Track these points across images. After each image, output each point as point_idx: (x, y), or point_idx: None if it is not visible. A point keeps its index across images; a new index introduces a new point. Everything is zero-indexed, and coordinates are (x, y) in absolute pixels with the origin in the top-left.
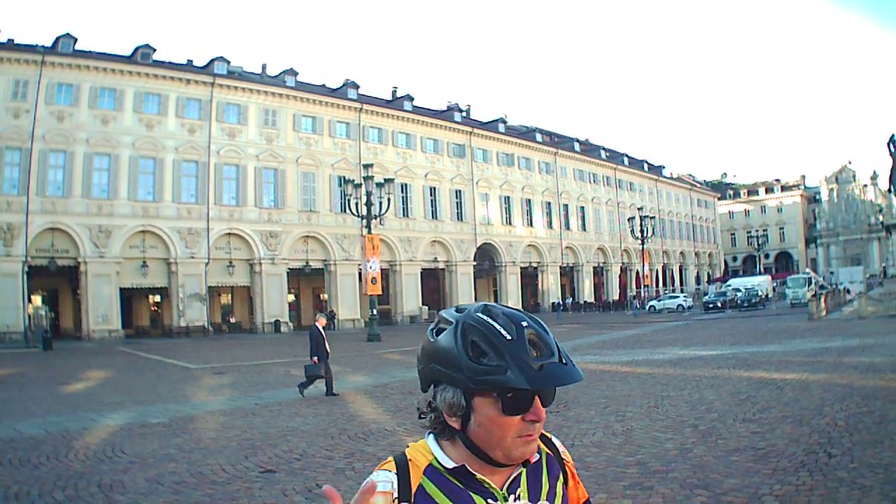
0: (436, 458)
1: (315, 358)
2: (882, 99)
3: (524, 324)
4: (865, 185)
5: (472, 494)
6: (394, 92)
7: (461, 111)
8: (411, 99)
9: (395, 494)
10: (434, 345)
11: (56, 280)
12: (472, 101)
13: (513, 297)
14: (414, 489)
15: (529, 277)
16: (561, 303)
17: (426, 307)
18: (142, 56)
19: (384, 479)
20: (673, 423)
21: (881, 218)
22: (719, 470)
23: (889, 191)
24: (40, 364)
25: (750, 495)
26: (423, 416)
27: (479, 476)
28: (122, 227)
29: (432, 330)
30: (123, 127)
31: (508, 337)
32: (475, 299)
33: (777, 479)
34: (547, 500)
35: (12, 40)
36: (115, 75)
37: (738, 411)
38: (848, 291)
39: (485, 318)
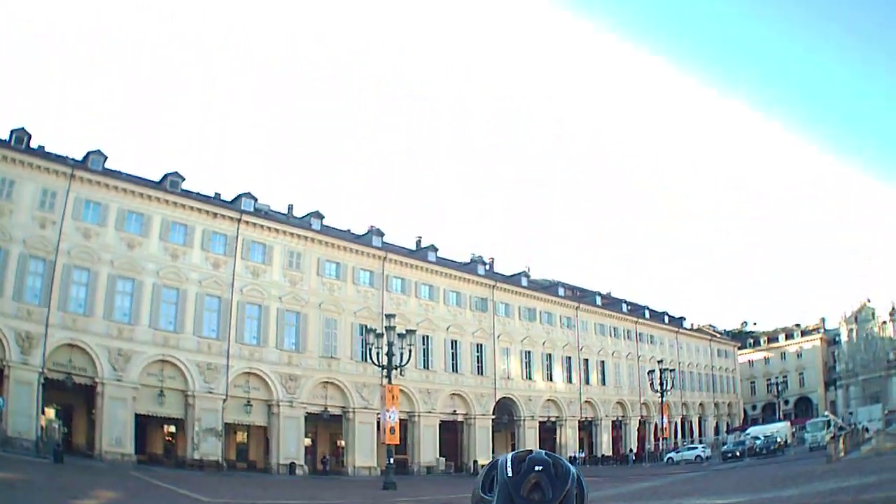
0: None
1: None
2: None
3: (537, 467)
4: (884, 322)
5: None
6: (418, 242)
7: (485, 264)
8: (435, 249)
9: None
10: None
11: (71, 396)
12: (495, 252)
13: None
14: None
15: (548, 431)
16: (576, 456)
17: (443, 458)
18: (171, 184)
19: None
20: None
21: None
22: None
23: None
24: (50, 475)
25: None
26: None
27: None
28: (141, 353)
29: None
30: (148, 253)
31: (510, 474)
32: (493, 452)
33: None
34: None
35: (43, 147)
36: (143, 200)
37: None
38: (867, 430)
39: (508, 456)
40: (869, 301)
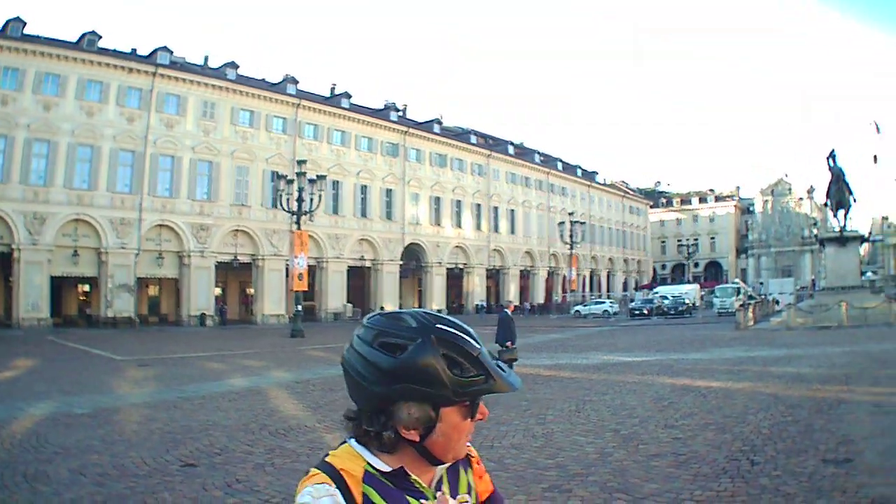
0: (369, 463)
1: (509, 342)
2: (822, 113)
3: (473, 333)
4: (801, 199)
5: (407, 496)
6: (332, 89)
7: (398, 110)
8: (349, 96)
9: None
10: (404, 363)
11: None
12: (409, 100)
13: (437, 298)
14: (359, 500)
15: (455, 279)
16: (485, 304)
17: (350, 305)
18: (87, 43)
19: (326, 493)
20: (594, 427)
21: (815, 231)
22: (639, 475)
23: (825, 205)
24: None
25: (670, 500)
26: (362, 427)
27: (413, 477)
28: (56, 214)
29: (381, 345)
30: (64, 114)
31: (478, 346)
32: (400, 299)
33: (698, 484)
34: (466, 493)
35: None
36: (60, 61)
37: (660, 417)
38: (777, 302)
39: (451, 330)
40: (786, 176)
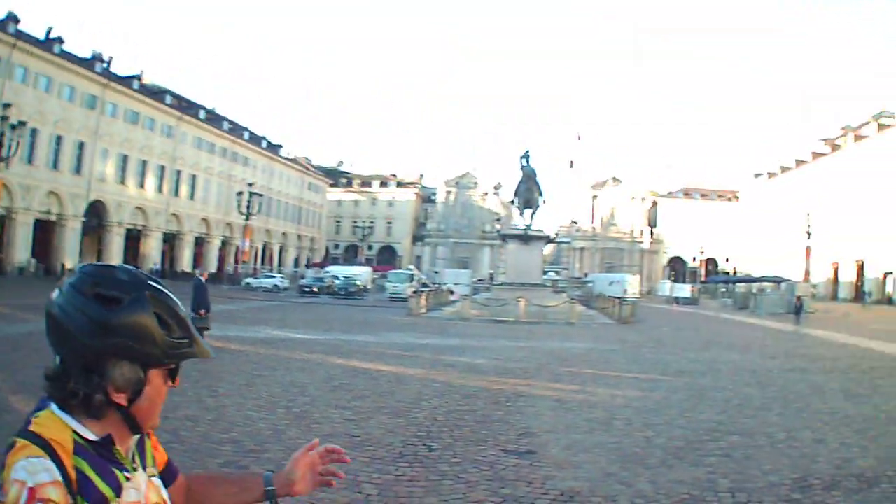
0: (76, 432)
1: (203, 311)
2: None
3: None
4: (486, 194)
5: (113, 468)
6: (48, 31)
7: (104, 61)
8: (62, 41)
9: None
10: (119, 317)
11: None
12: (117, 52)
13: (115, 259)
14: (73, 474)
15: (133, 240)
16: (160, 268)
17: (35, 260)
18: None
19: (43, 468)
20: (266, 403)
21: (498, 227)
22: None
23: (512, 202)
24: None
25: (349, 483)
26: (67, 389)
27: (116, 448)
28: None
29: (96, 296)
30: None
31: (183, 309)
32: (80, 256)
33: (375, 468)
34: (151, 465)
35: None
36: None
37: (331, 397)
38: (452, 293)
39: (163, 290)
40: (474, 169)
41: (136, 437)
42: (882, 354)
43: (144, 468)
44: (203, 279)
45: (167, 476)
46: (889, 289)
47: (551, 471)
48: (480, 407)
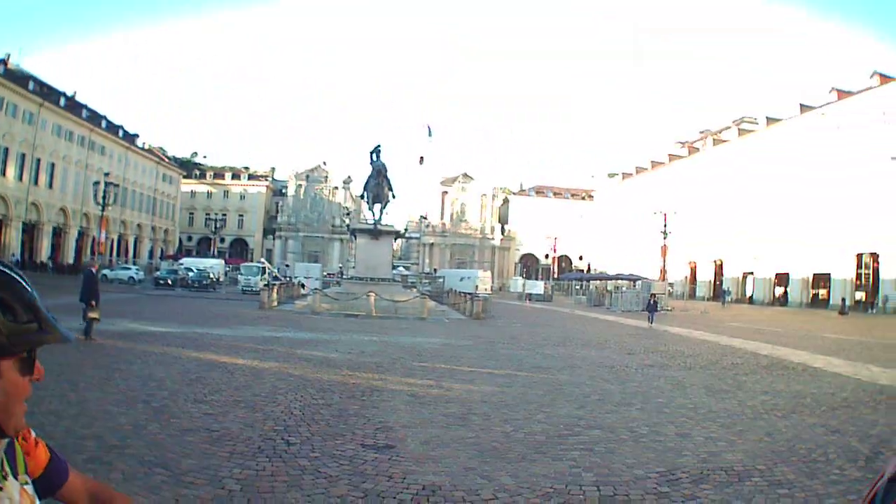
0: None
1: (93, 301)
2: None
3: (25, 278)
4: (337, 188)
5: None
6: None
7: None
8: None
9: None
10: None
11: None
12: None
13: None
14: None
15: None
16: (19, 259)
17: None
18: None
19: None
20: (125, 398)
21: (348, 221)
22: (176, 450)
23: (361, 196)
24: None
25: (210, 477)
26: None
27: None
28: None
29: None
30: None
31: (32, 292)
32: None
33: (236, 462)
34: (24, 472)
35: None
36: None
37: (189, 391)
38: (303, 286)
39: (5, 270)
40: (325, 164)
41: (4, 441)
42: (744, 352)
43: (16, 476)
44: (94, 270)
45: (54, 479)
46: (749, 288)
47: (411, 465)
48: (336, 401)
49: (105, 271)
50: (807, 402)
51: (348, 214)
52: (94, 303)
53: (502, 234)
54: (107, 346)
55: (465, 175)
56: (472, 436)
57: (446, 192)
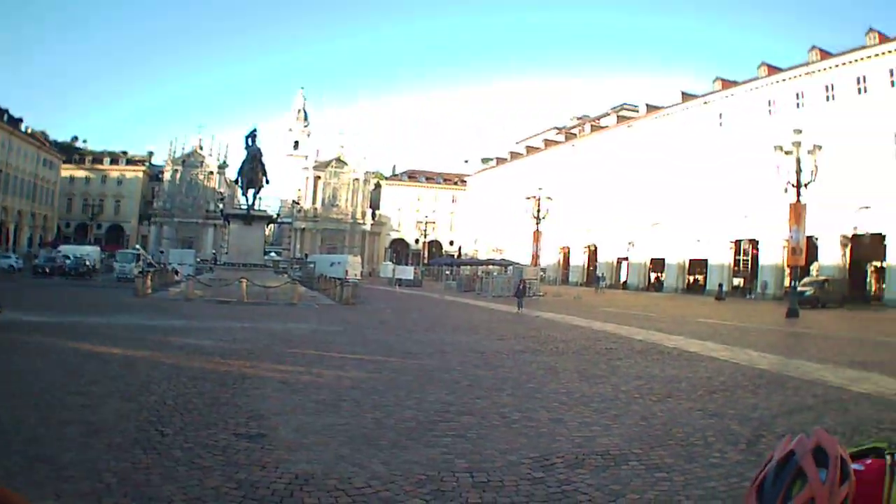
0: None
1: None
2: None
3: None
4: (213, 173)
5: None
6: None
7: None
8: None
9: None
10: None
11: None
12: None
13: None
14: None
15: None
16: None
17: None
18: None
19: None
20: (2, 390)
21: (222, 206)
22: (55, 443)
23: (236, 182)
24: None
25: (89, 471)
26: None
27: None
28: None
29: None
30: None
31: None
32: None
33: (113, 455)
34: None
35: None
36: None
37: (66, 382)
38: (177, 272)
39: None
40: (201, 148)
41: None
42: (617, 336)
43: None
44: None
45: None
46: (623, 274)
47: (283, 454)
48: (209, 389)
49: None
50: (682, 386)
51: (222, 200)
52: None
53: (373, 219)
54: None
55: (339, 160)
56: (343, 423)
57: (319, 177)
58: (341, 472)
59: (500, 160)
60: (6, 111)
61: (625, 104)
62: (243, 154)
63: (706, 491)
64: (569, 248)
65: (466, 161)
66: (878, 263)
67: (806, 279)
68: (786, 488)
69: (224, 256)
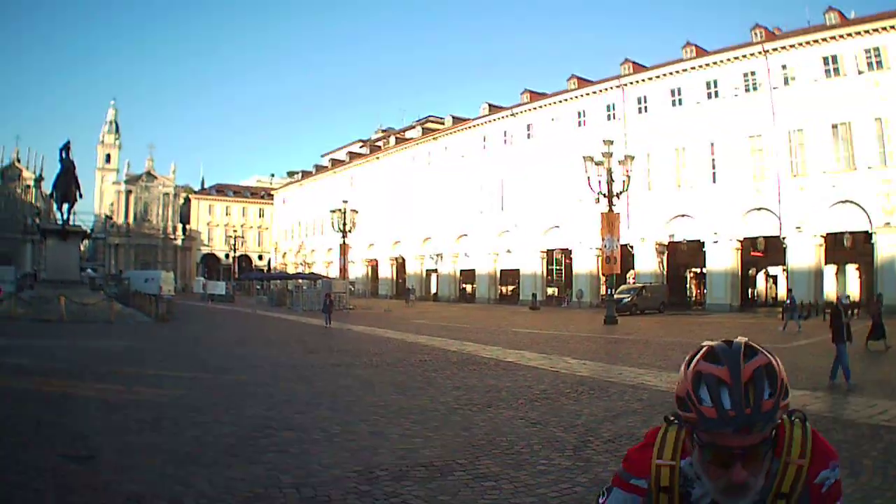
0: None
1: None
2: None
3: None
4: (29, 186)
5: None
6: None
7: None
8: None
9: None
10: None
11: None
12: None
13: None
14: None
15: None
16: None
17: None
18: None
19: None
20: None
21: (38, 221)
22: None
23: (51, 196)
24: None
25: None
26: None
27: None
28: None
29: None
30: None
31: None
32: None
33: None
34: None
35: None
36: None
37: None
38: None
39: None
40: (19, 160)
41: None
42: (431, 348)
43: None
44: None
45: None
46: (433, 286)
47: (111, 475)
48: (32, 410)
49: None
50: (503, 395)
51: (38, 214)
52: None
53: (184, 233)
54: None
55: (149, 174)
56: (164, 441)
57: (130, 192)
58: (168, 491)
59: (306, 174)
60: None
61: (430, 116)
62: (58, 167)
63: (537, 497)
64: (377, 261)
65: (273, 175)
66: (696, 270)
67: (623, 286)
68: None
69: (43, 273)
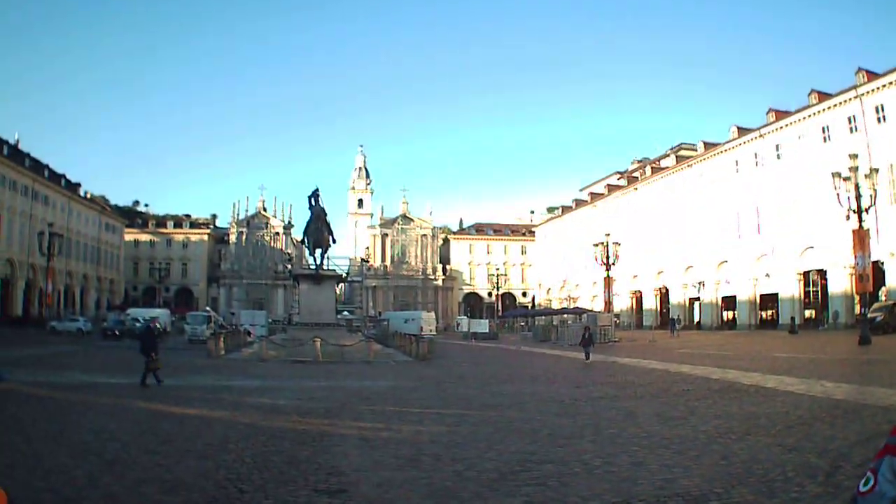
0: None
1: (153, 353)
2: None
3: None
4: (278, 234)
5: None
6: None
7: None
8: None
9: None
10: None
11: None
12: None
13: None
14: None
15: None
16: None
17: None
18: None
19: None
20: (79, 450)
21: (290, 267)
22: (131, 501)
23: (302, 242)
24: None
25: None
26: None
27: None
28: None
29: None
30: None
31: None
32: None
33: None
34: None
35: None
36: None
37: (140, 442)
38: (249, 333)
39: None
40: (265, 209)
41: None
42: (694, 377)
43: None
44: (152, 326)
45: None
46: (696, 314)
47: None
48: (287, 448)
49: (54, 323)
50: (761, 422)
51: (290, 260)
52: (154, 354)
53: (444, 274)
54: (58, 398)
55: (405, 216)
56: (424, 476)
57: (386, 235)
58: None
59: (566, 208)
60: (63, 176)
61: (682, 143)
62: (307, 214)
63: None
64: (641, 293)
65: (532, 211)
66: None
67: (875, 304)
68: None
69: (296, 317)
